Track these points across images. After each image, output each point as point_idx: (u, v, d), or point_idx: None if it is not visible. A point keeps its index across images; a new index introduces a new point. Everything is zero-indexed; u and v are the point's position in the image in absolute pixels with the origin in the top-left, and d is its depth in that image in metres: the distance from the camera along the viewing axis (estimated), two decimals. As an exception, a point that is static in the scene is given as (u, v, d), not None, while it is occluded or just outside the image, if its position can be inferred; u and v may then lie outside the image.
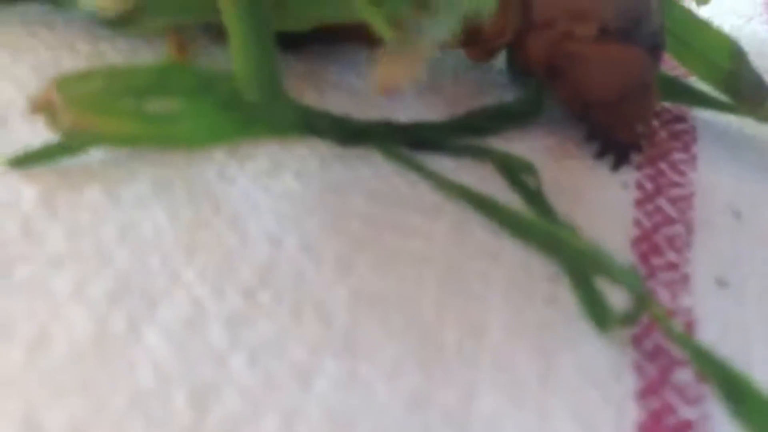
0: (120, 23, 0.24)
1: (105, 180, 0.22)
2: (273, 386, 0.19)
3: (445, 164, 0.25)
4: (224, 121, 0.22)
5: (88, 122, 0.21)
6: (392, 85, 0.19)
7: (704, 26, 0.27)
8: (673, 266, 0.24)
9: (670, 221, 0.25)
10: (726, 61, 0.26)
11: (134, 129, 0.21)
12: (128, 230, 0.21)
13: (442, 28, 0.20)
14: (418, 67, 0.19)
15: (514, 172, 0.24)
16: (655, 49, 0.26)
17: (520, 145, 0.26)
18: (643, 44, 0.25)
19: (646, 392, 0.20)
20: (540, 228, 0.22)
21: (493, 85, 0.28)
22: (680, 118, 0.28)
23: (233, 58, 0.22)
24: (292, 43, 0.26)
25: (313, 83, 0.26)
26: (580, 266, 0.22)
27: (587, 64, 0.25)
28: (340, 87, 0.26)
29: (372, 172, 0.24)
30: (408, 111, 0.26)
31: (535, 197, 0.24)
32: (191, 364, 0.19)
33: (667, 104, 0.29)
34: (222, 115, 0.22)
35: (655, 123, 0.28)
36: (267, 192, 0.23)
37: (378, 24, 0.21)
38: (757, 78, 0.27)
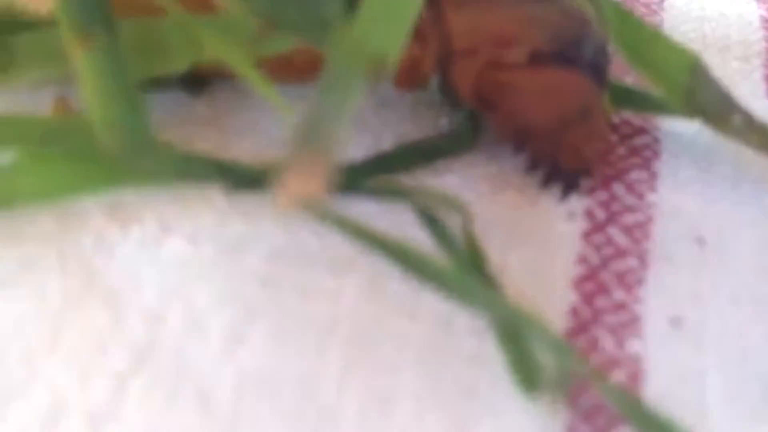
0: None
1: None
2: (132, 493, 0.17)
3: (363, 208, 0.22)
4: (78, 173, 0.20)
5: None
6: (299, 199, 0.17)
7: (661, 39, 0.24)
8: (621, 307, 0.21)
9: (621, 254, 0.22)
10: (685, 76, 0.24)
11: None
12: (-15, 321, 0.19)
13: (340, 109, 0.18)
14: (329, 173, 0.17)
15: (434, 217, 0.22)
16: (597, 70, 0.23)
17: (454, 178, 0.24)
18: (584, 65, 0.23)
19: (577, 463, 0.18)
20: (457, 284, 0.20)
21: (428, 106, 0.26)
22: (642, 131, 0.26)
23: (89, 105, 0.20)
24: (196, 86, 0.24)
25: (218, 127, 0.24)
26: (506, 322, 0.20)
27: (519, 93, 0.23)
28: (248, 130, 0.24)
29: (276, 225, 0.22)
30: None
31: (456, 249, 0.21)
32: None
33: (628, 115, 0.26)
34: (75, 167, 0.20)
35: (614, 137, 0.25)
36: (152, 261, 0.21)
37: (244, 70, 0.19)
38: (720, 92, 0.24)
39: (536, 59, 0.23)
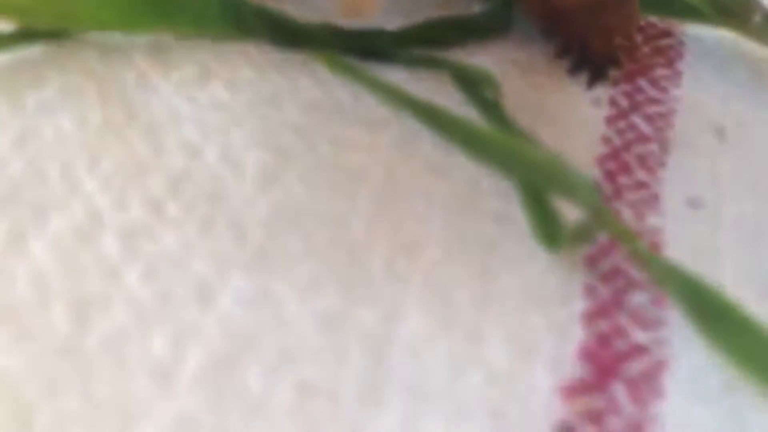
0: None
1: (7, 85, 0.20)
2: (168, 301, 0.17)
3: (396, 75, 0.23)
4: (135, 5, 0.20)
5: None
6: (359, 6, 0.17)
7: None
8: (642, 185, 0.22)
9: (643, 139, 0.23)
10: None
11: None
12: (27, 137, 0.20)
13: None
14: None
15: (472, 83, 0.22)
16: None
17: (485, 58, 0.24)
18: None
19: (595, 315, 0.18)
20: (492, 139, 0.20)
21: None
22: (666, 33, 0.26)
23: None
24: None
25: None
26: (535, 180, 0.20)
27: (554, -32, 0.23)
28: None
29: (312, 82, 0.22)
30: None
31: (492, 110, 0.22)
32: (77, 276, 0.17)
33: (653, 18, 0.26)
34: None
35: (639, 38, 0.26)
36: (191, 101, 0.21)
37: None
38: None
39: None
